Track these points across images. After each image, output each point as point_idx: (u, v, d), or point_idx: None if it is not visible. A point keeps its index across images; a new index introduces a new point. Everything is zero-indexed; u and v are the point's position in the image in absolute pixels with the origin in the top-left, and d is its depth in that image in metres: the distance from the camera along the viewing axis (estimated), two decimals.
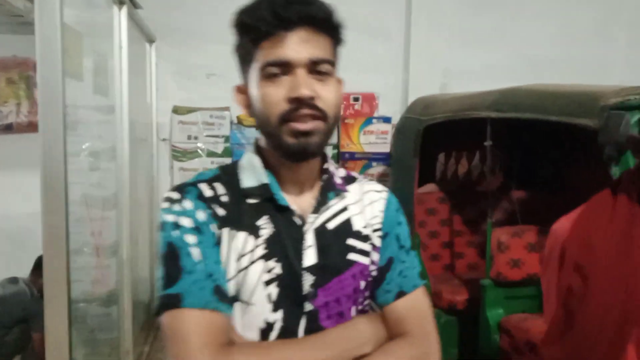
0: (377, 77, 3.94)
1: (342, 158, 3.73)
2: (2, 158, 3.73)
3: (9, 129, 3.60)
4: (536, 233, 2.31)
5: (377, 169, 3.75)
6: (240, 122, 3.69)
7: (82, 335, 2.60)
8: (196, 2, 3.75)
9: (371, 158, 3.76)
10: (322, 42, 0.86)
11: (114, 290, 2.93)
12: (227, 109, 3.63)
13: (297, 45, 0.83)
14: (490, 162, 2.51)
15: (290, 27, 0.83)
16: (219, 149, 3.62)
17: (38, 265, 3.18)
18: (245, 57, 0.89)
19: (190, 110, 3.58)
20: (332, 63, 0.88)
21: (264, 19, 0.83)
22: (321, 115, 0.84)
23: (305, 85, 0.83)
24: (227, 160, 3.61)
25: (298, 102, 0.83)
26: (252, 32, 0.85)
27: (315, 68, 0.84)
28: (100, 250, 2.99)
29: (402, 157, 2.90)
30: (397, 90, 4.04)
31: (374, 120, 3.77)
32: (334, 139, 3.73)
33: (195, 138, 3.59)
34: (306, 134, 0.84)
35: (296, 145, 0.84)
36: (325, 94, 0.85)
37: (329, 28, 0.88)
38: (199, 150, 3.59)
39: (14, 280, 3.08)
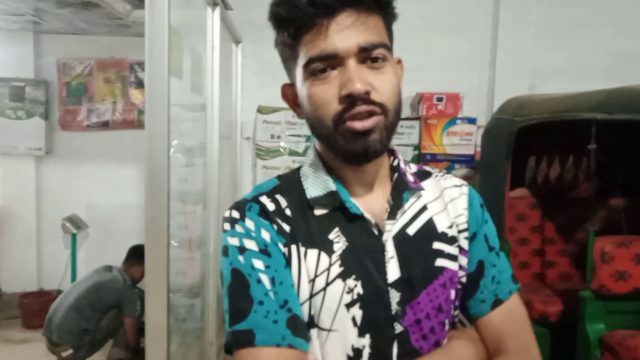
0: (462, 76, 3.84)
1: (423, 160, 3.66)
2: (98, 152, 3.96)
3: (105, 125, 3.81)
4: None
5: (460, 171, 3.64)
6: None
7: (173, 325, 2.69)
8: None
9: (454, 160, 3.66)
10: (372, 23, 0.74)
11: (198, 282, 3.02)
12: None
13: (342, 33, 0.72)
14: (590, 166, 2.36)
15: (331, 13, 0.72)
16: (300, 148, 3.65)
17: (132, 255, 3.33)
18: (287, 53, 0.79)
19: (274, 110, 3.64)
20: (387, 46, 0.76)
21: (300, 8, 0.72)
22: (380, 110, 0.74)
23: (358, 78, 0.72)
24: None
25: (352, 100, 0.72)
26: (290, 25, 0.75)
27: (367, 55, 0.73)
28: (187, 243, 3.08)
29: (492, 160, 2.79)
30: (483, 90, 3.92)
31: (458, 121, 3.66)
32: (414, 139, 3.66)
33: (278, 137, 3.65)
34: (365, 133, 0.73)
35: (356, 148, 0.74)
36: (382, 85, 0.74)
37: (376, 5, 0.75)
38: (281, 149, 3.64)
39: (108, 269, 3.24)
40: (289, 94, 0.84)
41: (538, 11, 3.84)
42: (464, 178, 3.70)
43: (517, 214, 2.88)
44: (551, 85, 3.54)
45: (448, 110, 3.76)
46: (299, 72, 0.77)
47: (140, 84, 3.78)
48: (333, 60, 0.73)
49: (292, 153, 3.64)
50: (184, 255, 3.09)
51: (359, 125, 0.73)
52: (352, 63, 0.73)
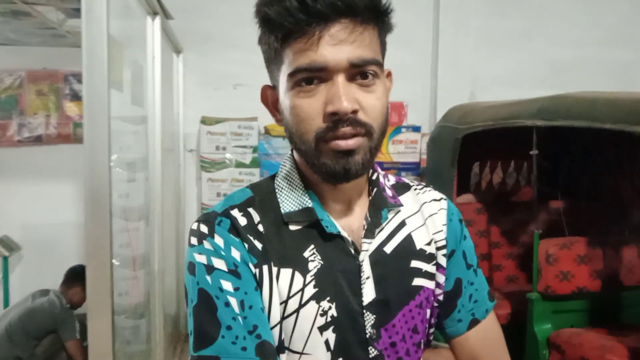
0: (406, 85, 3.89)
1: None
2: (31, 169, 3.74)
3: (38, 140, 3.61)
4: (585, 245, 2.23)
5: (406, 179, 3.69)
6: (267, 132, 3.66)
7: (118, 349, 2.57)
8: (222, 12, 3.74)
9: (400, 168, 3.71)
10: (367, 36, 0.70)
11: (143, 302, 2.90)
12: (254, 119, 3.61)
13: (334, 47, 0.67)
14: (532, 171, 2.44)
15: (325, 21, 0.67)
16: (247, 159, 3.58)
17: (69, 277, 3.18)
18: (271, 56, 0.74)
19: (218, 121, 3.56)
20: (379, 63, 0.71)
21: (291, 13, 0.67)
22: (364, 131, 0.70)
23: (346, 96, 0.68)
24: (255, 171, 3.58)
25: (337, 118, 0.68)
26: (278, 29, 0.69)
27: (357, 71, 0.69)
28: (130, 262, 2.97)
29: (438, 167, 2.84)
30: (426, 98, 4.00)
31: (403, 130, 3.72)
32: None
33: (224, 149, 3.57)
34: (348, 153, 0.70)
35: (336, 167, 0.71)
36: (370, 104, 0.70)
37: (373, 16, 0.70)
38: (227, 161, 3.56)
39: (44, 292, 3.08)
40: (269, 96, 0.79)
41: (476, 21, 3.97)
42: None
43: (464, 220, 2.93)
44: (491, 93, 3.66)
45: (393, 119, 3.82)
46: (282, 79, 0.72)
47: (76, 97, 3.60)
48: (321, 73, 0.69)
49: (239, 165, 3.57)
50: (127, 275, 2.96)
51: (342, 144, 0.70)
52: (340, 79, 0.69)
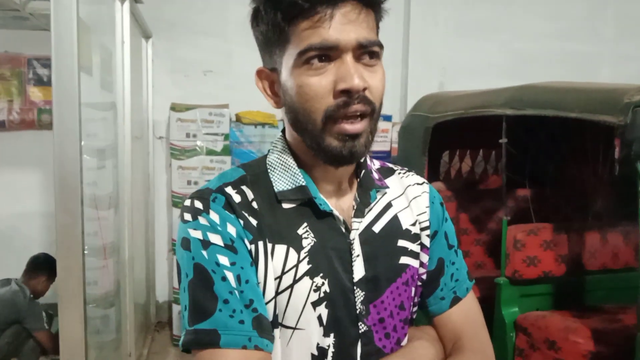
0: None
1: None
2: None
3: (0, 126, 3.48)
4: (551, 231, 2.31)
5: (389, 164, 3.74)
6: (239, 119, 3.63)
7: (89, 338, 2.54)
8: None
9: (371, 156, 3.72)
10: (370, 20, 0.72)
11: (113, 291, 2.87)
12: (226, 106, 3.57)
13: (345, 26, 0.69)
14: (500, 159, 2.50)
15: (335, 2, 0.69)
16: (218, 147, 3.55)
17: (32, 266, 3.11)
18: (273, 36, 0.74)
19: (188, 108, 3.51)
20: (381, 45, 0.74)
21: None
22: (370, 111, 0.72)
23: (357, 74, 0.70)
24: (227, 159, 3.55)
25: (348, 95, 0.70)
26: (288, 7, 0.70)
27: (363, 52, 0.71)
28: (99, 251, 2.92)
29: (409, 155, 2.88)
30: (396, 88, 4.03)
31: None
32: None
33: (194, 136, 3.52)
34: (354, 136, 0.72)
35: (343, 150, 0.72)
36: (375, 84, 0.72)
37: (374, 1, 0.74)
38: (197, 148, 3.52)
39: (6, 282, 2.99)
40: (266, 79, 0.79)
41: (446, 12, 4.02)
42: None
43: None
44: (459, 83, 3.71)
45: None
46: (287, 59, 0.73)
47: (40, 81, 3.49)
48: (331, 52, 0.70)
49: (210, 152, 3.53)
50: (96, 264, 2.91)
51: (350, 127, 0.71)
52: (349, 58, 0.70)
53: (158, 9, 3.52)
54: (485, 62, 4.04)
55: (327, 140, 0.73)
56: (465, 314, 0.88)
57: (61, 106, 1.62)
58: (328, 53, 0.70)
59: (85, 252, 2.96)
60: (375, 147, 3.73)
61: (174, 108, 3.51)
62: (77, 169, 1.67)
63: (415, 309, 0.88)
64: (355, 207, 0.80)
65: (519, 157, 2.49)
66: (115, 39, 2.58)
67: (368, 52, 0.72)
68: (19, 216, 3.70)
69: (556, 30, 4.17)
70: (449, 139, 3.03)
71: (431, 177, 3.13)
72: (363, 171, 0.83)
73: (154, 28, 3.55)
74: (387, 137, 3.74)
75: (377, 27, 0.77)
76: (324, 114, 0.71)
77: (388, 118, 3.76)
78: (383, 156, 3.73)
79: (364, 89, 0.71)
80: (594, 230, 2.41)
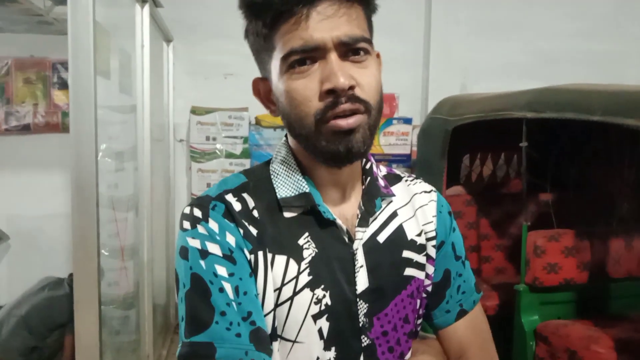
0: (397, 77, 3.88)
1: None
2: (19, 158, 3.69)
3: (26, 129, 3.56)
4: (573, 237, 2.24)
5: (397, 170, 3.70)
6: (258, 122, 3.64)
7: (106, 339, 2.57)
8: (213, 0, 3.70)
9: (391, 160, 3.71)
10: (354, 14, 0.69)
11: (132, 292, 2.89)
12: (245, 109, 3.59)
13: (323, 23, 0.67)
14: (521, 163, 2.44)
15: (311, 1, 0.67)
16: (238, 150, 3.57)
17: None
18: (260, 45, 0.73)
19: (208, 111, 3.54)
20: (369, 40, 0.71)
21: None
22: (364, 108, 0.69)
23: (341, 72, 0.67)
24: (246, 162, 3.57)
25: (334, 96, 0.67)
26: (265, 14, 0.69)
27: (349, 48, 0.69)
28: (118, 252, 2.96)
29: (428, 159, 2.84)
30: (417, 90, 3.99)
31: (394, 121, 3.71)
32: None
33: (214, 139, 3.55)
34: (349, 132, 0.69)
35: (339, 148, 0.69)
36: (366, 80, 0.69)
37: None
38: (217, 151, 3.54)
39: (59, 282, 3.03)
40: (262, 89, 0.78)
41: (468, 11, 3.96)
42: None
43: (453, 212, 2.93)
44: (481, 85, 3.66)
45: (384, 111, 3.79)
46: (274, 65, 0.71)
47: (64, 85, 3.55)
48: (314, 53, 0.68)
49: (229, 155, 3.55)
50: (116, 265, 2.95)
51: (343, 123, 0.68)
52: (334, 56, 0.68)
53: (178, 13, 3.55)
54: (507, 63, 3.96)
55: (322, 141, 0.70)
56: (472, 328, 0.85)
57: (78, 109, 1.65)
58: (311, 54, 0.68)
59: (106, 253, 3.01)
60: (395, 150, 3.69)
61: (194, 111, 3.54)
62: (92, 171, 1.69)
63: (419, 321, 0.86)
64: (359, 216, 0.78)
65: (540, 161, 2.43)
66: (135, 43, 2.62)
67: (354, 47, 0.69)
68: (44, 217, 3.77)
69: (580, 29, 4.06)
70: (469, 142, 2.99)
71: (451, 181, 3.09)
72: (368, 178, 0.81)
73: (174, 31, 3.58)
74: (407, 140, 3.70)
75: (369, 22, 0.74)
76: (313, 117, 0.69)
77: (408, 121, 3.72)
78: (403, 159, 3.69)
79: (351, 87, 0.68)
80: (618, 236, 2.33)
